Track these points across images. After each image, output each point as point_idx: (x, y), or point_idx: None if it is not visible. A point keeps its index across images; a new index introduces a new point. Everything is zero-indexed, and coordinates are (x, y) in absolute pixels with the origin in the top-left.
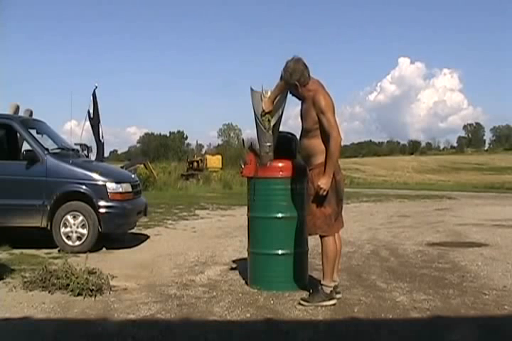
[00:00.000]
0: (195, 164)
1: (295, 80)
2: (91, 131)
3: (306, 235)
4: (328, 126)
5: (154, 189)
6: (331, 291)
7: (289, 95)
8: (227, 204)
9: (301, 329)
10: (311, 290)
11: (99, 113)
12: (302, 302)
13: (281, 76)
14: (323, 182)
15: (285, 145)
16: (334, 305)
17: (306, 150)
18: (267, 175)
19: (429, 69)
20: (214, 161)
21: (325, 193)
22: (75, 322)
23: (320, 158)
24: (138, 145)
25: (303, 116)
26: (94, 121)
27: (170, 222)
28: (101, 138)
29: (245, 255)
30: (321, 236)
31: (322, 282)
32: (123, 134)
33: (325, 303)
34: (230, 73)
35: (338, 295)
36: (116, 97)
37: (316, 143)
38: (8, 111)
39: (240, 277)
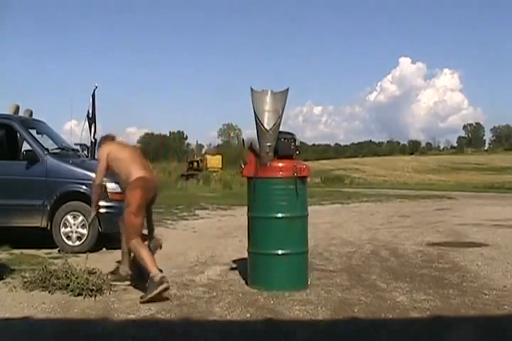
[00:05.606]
0: (195, 164)
1: None
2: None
3: (306, 235)
4: None
5: None
6: (160, 277)
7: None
8: (227, 204)
9: (301, 329)
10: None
11: (95, 113)
12: (142, 300)
13: None
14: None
15: (285, 145)
16: (168, 288)
17: None
18: (267, 175)
19: (429, 69)
20: (214, 161)
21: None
22: (75, 322)
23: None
24: (138, 145)
25: None
26: (91, 121)
27: (170, 222)
28: (92, 138)
29: (245, 255)
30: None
31: (150, 275)
32: (123, 134)
33: (159, 289)
34: (230, 73)
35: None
36: (116, 97)
37: None
38: (8, 111)
39: (239, 277)
